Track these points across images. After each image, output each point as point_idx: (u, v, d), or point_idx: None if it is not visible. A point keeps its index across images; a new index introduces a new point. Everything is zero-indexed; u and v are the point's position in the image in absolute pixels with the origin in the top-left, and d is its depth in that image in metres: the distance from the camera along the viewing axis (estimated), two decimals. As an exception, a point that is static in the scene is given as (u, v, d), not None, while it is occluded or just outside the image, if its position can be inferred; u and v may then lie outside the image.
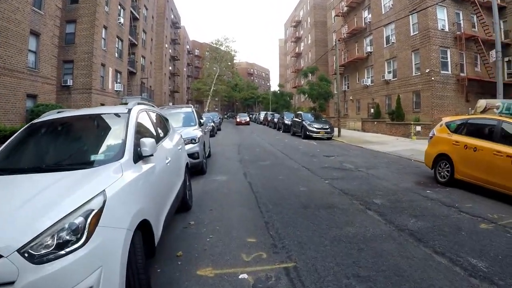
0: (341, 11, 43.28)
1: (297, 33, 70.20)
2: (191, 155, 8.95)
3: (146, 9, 44.10)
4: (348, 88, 42.96)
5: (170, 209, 4.44)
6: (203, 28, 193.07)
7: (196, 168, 9.53)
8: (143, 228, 3.12)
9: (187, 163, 6.41)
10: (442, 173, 9.02)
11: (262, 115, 54.99)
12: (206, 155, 11.79)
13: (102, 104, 28.23)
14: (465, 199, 7.40)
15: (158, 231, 3.66)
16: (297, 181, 9.17)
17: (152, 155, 3.70)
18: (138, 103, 4.72)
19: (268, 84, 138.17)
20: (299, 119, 26.06)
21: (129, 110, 4.18)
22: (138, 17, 39.58)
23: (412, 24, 29.73)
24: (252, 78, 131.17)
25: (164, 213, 4.13)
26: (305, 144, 20.14)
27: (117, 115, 4.22)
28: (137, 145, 3.61)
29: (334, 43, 47.33)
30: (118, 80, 33.11)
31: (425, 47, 27.88)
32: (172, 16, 65.10)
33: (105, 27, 29.09)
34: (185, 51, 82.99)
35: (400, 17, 29.07)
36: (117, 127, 3.86)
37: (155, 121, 5.14)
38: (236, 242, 4.77)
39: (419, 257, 4.28)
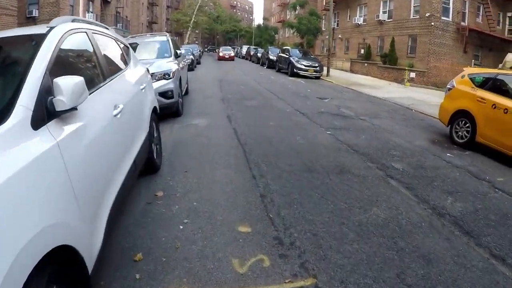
0: None
1: (285, -37, 65.53)
2: (163, 94, 7.56)
3: None
4: (337, 26, 40.43)
5: (121, 191, 2.84)
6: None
7: (170, 110, 7.99)
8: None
9: (154, 108, 4.83)
10: (460, 133, 7.65)
11: (244, 49, 51.60)
12: (183, 92, 10.19)
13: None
14: (492, 169, 6.12)
15: (93, 249, 2.12)
16: (293, 129, 7.71)
17: (76, 108, 2.03)
18: (73, 21, 3.01)
19: (251, 17, 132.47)
20: (286, 54, 24.14)
21: (49, 30, 2.44)
22: None
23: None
24: (235, 10, 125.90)
25: (109, 204, 2.53)
26: (293, 83, 18.58)
27: (29, 38, 2.51)
28: (47, 91, 1.95)
29: (325, -25, 44.80)
30: (91, 10, 30.00)
31: (427, -13, 25.70)
32: None
33: None
34: (165, -23, 77.52)
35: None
36: (21, 60, 2.24)
37: (101, 49, 3.33)
38: (223, 234, 3.27)
39: (479, 267, 2.99)
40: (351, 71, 30.63)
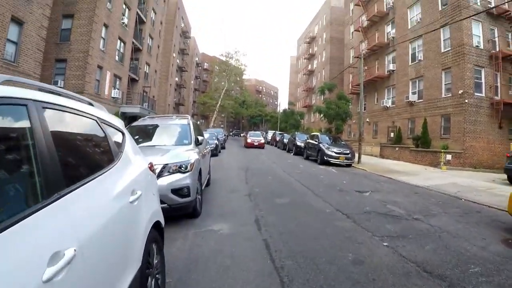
0: (361, 26, 40.53)
1: (310, 49, 67.53)
2: (177, 191, 6.20)
3: (155, 13, 41.54)
4: (364, 109, 39.79)
5: None
6: (213, 43, 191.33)
7: (185, 210, 6.52)
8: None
9: (156, 223, 3.29)
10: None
11: (270, 134, 51.12)
12: (204, 185, 8.87)
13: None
14: None
15: None
16: (341, 242, 5.90)
17: None
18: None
19: (276, 102, 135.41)
20: (315, 141, 23.03)
21: None
22: (144, 20, 36.92)
23: (444, 40, 26.78)
24: (260, 95, 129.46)
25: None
26: (325, 172, 17.07)
27: None
28: None
29: (351, 60, 45.18)
30: (117, 86, 30.26)
31: (459, 65, 24.83)
32: (183, 25, 62.65)
33: (106, 26, 26.39)
34: (194, 63, 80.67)
35: (429, 31, 26.15)
36: None
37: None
38: None
39: None
40: (381, 156, 29.14)
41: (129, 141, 3.38)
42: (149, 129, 8.79)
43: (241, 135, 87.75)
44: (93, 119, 2.72)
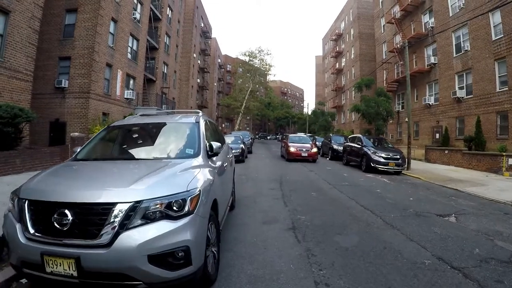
0: (394, 18, 37.06)
1: (337, 47, 64.00)
2: (163, 258, 3.31)
3: (171, 10, 39.06)
4: (402, 108, 36.27)
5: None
6: (236, 45, 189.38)
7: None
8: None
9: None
10: None
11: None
12: (227, 210, 6.22)
13: (104, 114, 22.90)
14: None
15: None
16: None
17: None
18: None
19: (302, 104, 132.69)
20: (358, 144, 19.86)
21: None
22: (160, 17, 34.53)
23: (494, 26, 23.11)
24: (285, 97, 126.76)
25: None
26: (377, 183, 13.93)
27: None
28: None
29: (384, 55, 41.67)
30: (131, 87, 27.75)
31: (515, 54, 21.28)
32: (202, 25, 60.16)
33: (114, 20, 23.92)
34: (216, 64, 78.22)
35: (475, 16, 22.63)
36: None
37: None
38: None
39: None
40: (427, 160, 25.51)
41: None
42: (135, 131, 5.95)
43: (277, 137, 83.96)
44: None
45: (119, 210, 3.17)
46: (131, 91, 27.02)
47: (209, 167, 4.69)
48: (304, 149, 22.45)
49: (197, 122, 5.60)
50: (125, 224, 3.15)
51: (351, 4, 56.28)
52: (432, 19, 30.70)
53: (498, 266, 4.96)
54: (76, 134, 16.61)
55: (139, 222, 3.20)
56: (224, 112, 79.01)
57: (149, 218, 3.24)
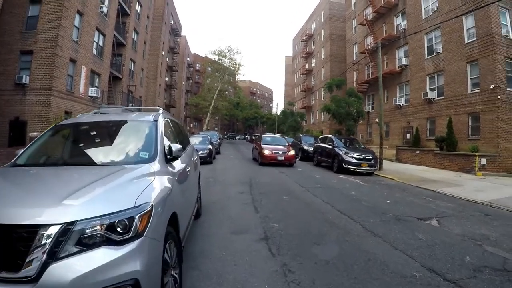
0: (366, 19, 37.14)
1: (308, 48, 64.04)
2: None
3: (140, 5, 37.67)
4: (372, 109, 36.36)
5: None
6: (205, 44, 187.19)
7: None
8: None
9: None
10: None
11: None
12: (191, 220, 5.48)
13: (67, 112, 21.58)
14: None
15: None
16: None
17: None
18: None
19: (270, 104, 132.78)
20: (329, 144, 19.38)
21: None
22: (129, 12, 33.19)
23: (467, 29, 23.39)
24: (254, 97, 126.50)
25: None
26: (350, 185, 13.50)
27: None
28: None
29: (354, 57, 41.77)
30: (96, 84, 26.41)
31: (487, 57, 21.46)
32: (172, 22, 58.74)
33: (80, 13, 22.61)
34: (185, 63, 76.79)
35: (448, 19, 22.76)
36: None
37: None
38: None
39: None
40: (398, 160, 25.55)
41: None
42: (84, 131, 5.05)
43: (246, 137, 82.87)
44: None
45: (47, 235, 2.41)
46: (96, 89, 25.65)
47: (167, 174, 3.95)
48: (280, 152, 19.86)
49: (155, 121, 4.78)
50: (55, 252, 2.39)
51: (323, 6, 56.35)
52: (405, 22, 30.96)
53: (493, 275, 4.60)
54: (35, 133, 15.43)
55: (73, 249, 2.44)
56: (193, 112, 77.71)
57: (85, 245, 2.48)
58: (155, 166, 3.79)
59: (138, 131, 4.65)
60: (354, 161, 17.03)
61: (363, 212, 8.34)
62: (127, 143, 4.47)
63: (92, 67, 25.31)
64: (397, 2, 32.33)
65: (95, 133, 4.98)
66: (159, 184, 3.41)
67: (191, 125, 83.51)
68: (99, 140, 4.88)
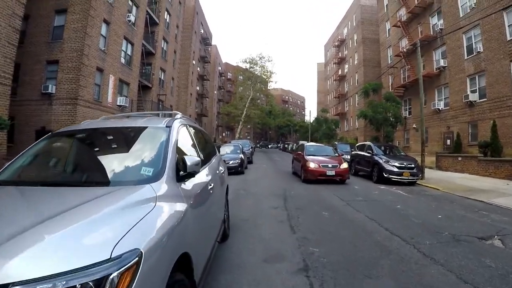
0: (400, 20, 35.69)
1: (340, 53, 62.83)
2: None
3: (169, 14, 37.76)
4: (409, 114, 34.79)
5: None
6: (236, 52, 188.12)
7: None
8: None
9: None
10: None
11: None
12: (215, 247, 4.54)
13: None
14: None
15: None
16: None
17: None
18: None
19: (303, 112, 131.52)
20: (368, 152, 18.13)
21: None
22: (157, 21, 33.22)
23: (508, 25, 21.74)
24: (287, 105, 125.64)
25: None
26: (393, 197, 12.27)
27: None
28: None
29: (389, 60, 40.28)
30: (124, 93, 26.30)
31: (534, 54, 19.88)
32: (202, 31, 58.97)
33: (106, 22, 22.58)
34: (216, 72, 76.95)
35: (487, 15, 21.27)
36: None
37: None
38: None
39: None
40: (438, 167, 23.93)
41: None
42: (82, 140, 4.10)
43: (278, 146, 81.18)
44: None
45: None
46: (125, 98, 25.53)
47: (177, 198, 2.96)
48: (329, 165, 15.73)
49: (168, 127, 3.78)
50: None
51: (354, 9, 55.17)
52: (441, 21, 29.40)
53: None
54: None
55: None
56: (225, 121, 77.69)
57: None
58: (160, 187, 2.82)
59: (144, 141, 3.76)
60: (396, 170, 15.72)
61: (415, 231, 7.19)
62: (127, 156, 3.53)
63: (121, 76, 25.21)
64: (432, 1, 30.84)
65: (91, 142, 4.08)
66: (161, 215, 2.49)
67: (223, 134, 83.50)
68: (94, 151, 3.89)
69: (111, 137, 4.00)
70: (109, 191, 2.62)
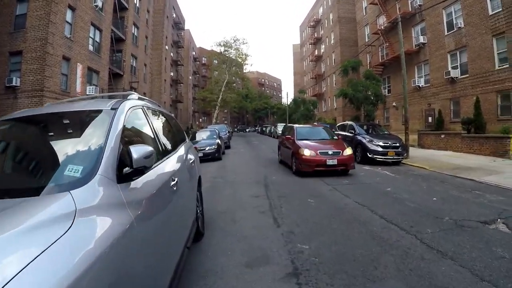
0: (378, -2, 35.06)
1: (316, 33, 61.92)
2: None
3: (139, -1, 36.20)
4: (389, 92, 34.44)
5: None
6: (210, 37, 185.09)
7: None
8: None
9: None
10: None
11: (279, 127, 41.67)
12: (184, 253, 3.54)
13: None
14: None
15: None
16: None
17: None
18: None
19: (279, 95, 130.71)
20: (350, 132, 17.49)
21: None
22: (126, 6, 31.65)
23: (490, 0, 21.32)
24: (263, 88, 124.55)
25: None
26: (380, 178, 11.71)
27: None
28: None
29: (366, 39, 39.73)
30: (94, 82, 24.93)
31: (517, 27, 19.49)
32: (174, 15, 57.02)
33: (72, 8, 21.15)
34: (191, 57, 75.12)
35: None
36: None
37: None
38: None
39: None
40: (421, 145, 23.59)
41: None
42: (12, 132, 3.02)
43: (256, 129, 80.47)
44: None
45: None
46: (95, 87, 24.16)
47: (116, 207, 2.05)
48: (330, 152, 12.26)
49: (114, 109, 2.84)
50: None
51: (329, -12, 54.18)
52: (420, -3, 28.79)
53: None
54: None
55: None
56: (201, 106, 76.11)
57: None
58: (87, 193, 1.94)
59: (77, 129, 2.86)
60: (380, 149, 15.11)
61: (413, 218, 6.51)
62: (54, 150, 2.58)
63: (89, 64, 23.83)
64: (410, -23, 30.23)
65: (19, 135, 3.02)
66: (79, 242, 1.58)
67: (200, 119, 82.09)
68: (18, 146, 2.82)
69: (35, 128, 3.05)
70: (8, 206, 1.70)
